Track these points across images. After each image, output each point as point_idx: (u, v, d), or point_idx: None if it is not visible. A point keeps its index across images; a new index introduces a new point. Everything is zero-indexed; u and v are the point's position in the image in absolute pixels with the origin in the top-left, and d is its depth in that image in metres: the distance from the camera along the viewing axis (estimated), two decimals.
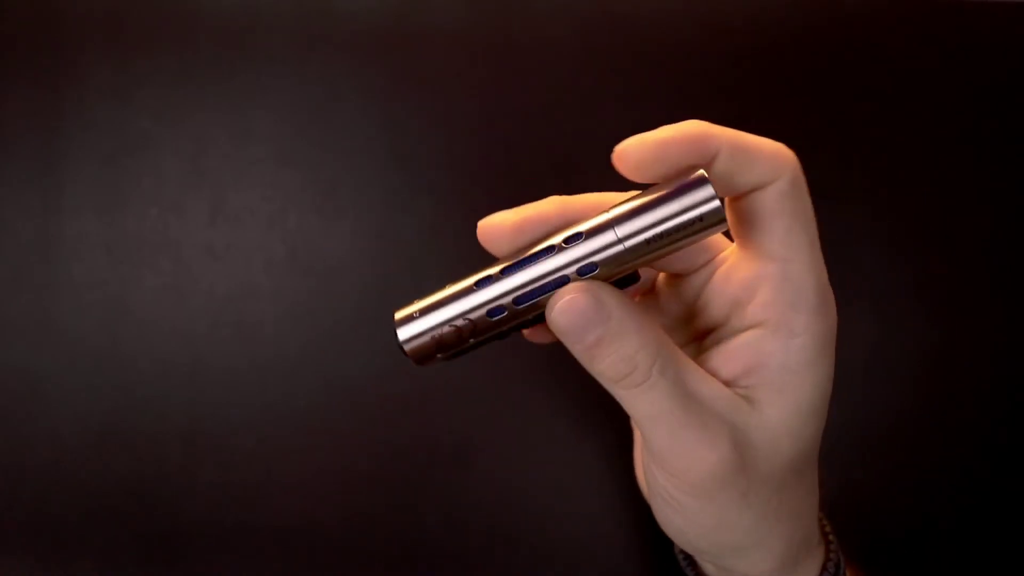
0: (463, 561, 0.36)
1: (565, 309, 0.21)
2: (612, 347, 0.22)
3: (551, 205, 0.23)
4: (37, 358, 0.36)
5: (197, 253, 0.37)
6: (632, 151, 0.21)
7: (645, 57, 0.38)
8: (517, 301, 0.22)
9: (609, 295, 0.22)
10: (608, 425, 0.35)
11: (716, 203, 0.20)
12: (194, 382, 0.36)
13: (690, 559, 0.30)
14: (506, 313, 0.22)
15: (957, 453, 0.37)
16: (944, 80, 0.39)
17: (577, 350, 0.22)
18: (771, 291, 0.23)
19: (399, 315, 0.24)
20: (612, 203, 0.22)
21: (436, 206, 0.37)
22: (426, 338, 0.23)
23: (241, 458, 0.36)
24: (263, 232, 0.37)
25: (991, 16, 0.39)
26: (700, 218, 0.20)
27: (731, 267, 0.24)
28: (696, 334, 0.26)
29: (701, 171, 0.21)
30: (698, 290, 0.25)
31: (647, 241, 0.21)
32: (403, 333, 0.23)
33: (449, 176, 0.37)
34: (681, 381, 0.22)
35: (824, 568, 0.26)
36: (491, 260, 0.23)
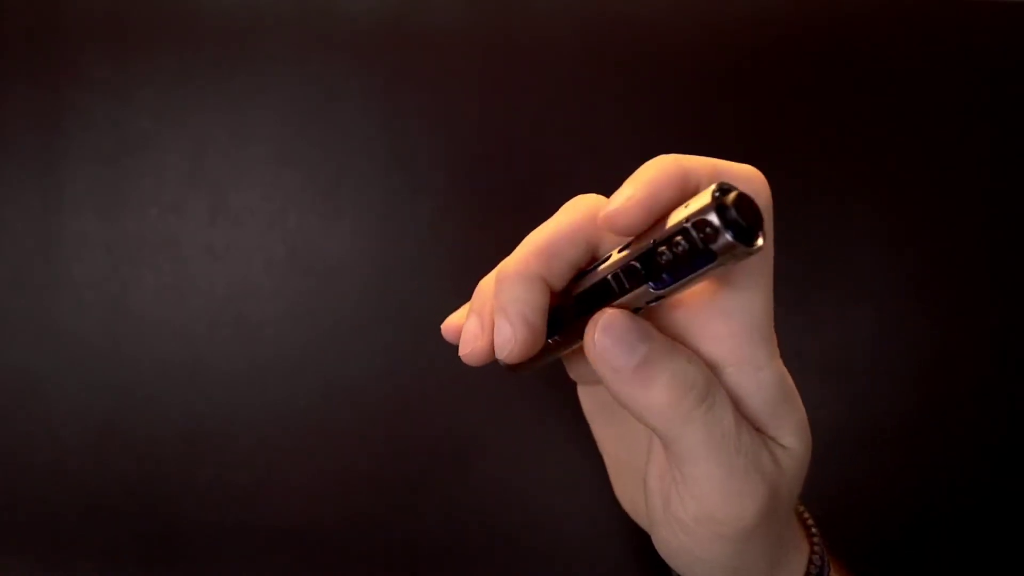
0: (463, 561, 0.36)
1: (607, 327, 0.20)
2: (663, 363, 0.20)
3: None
4: (37, 358, 0.36)
5: (197, 253, 0.37)
6: (623, 217, 0.19)
7: (645, 57, 0.38)
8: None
9: (644, 321, 0.20)
10: None
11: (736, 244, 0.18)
12: (194, 382, 0.36)
13: None
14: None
15: (957, 453, 0.37)
16: (944, 80, 0.39)
17: (625, 376, 0.20)
18: (728, 324, 0.21)
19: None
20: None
21: (436, 206, 0.37)
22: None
23: (241, 458, 0.36)
24: (263, 232, 0.37)
25: (991, 16, 0.39)
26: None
27: (672, 304, 0.22)
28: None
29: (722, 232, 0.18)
30: (703, 322, 0.24)
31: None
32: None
33: (449, 176, 0.37)
34: (734, 410, 0.21)
35: (810, 562, 0.26)
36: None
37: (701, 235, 0.18)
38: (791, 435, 0.23)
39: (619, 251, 0.21)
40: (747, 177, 0.21)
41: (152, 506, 0.35)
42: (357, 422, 0.36)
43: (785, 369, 0.22)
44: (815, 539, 0.27)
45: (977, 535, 0.37)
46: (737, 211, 0.18)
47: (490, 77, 0.38)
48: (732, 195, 0.18)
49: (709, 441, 0.20)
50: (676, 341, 0.21)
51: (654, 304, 0.21)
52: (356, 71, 0.37)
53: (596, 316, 0.20)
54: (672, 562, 0.25)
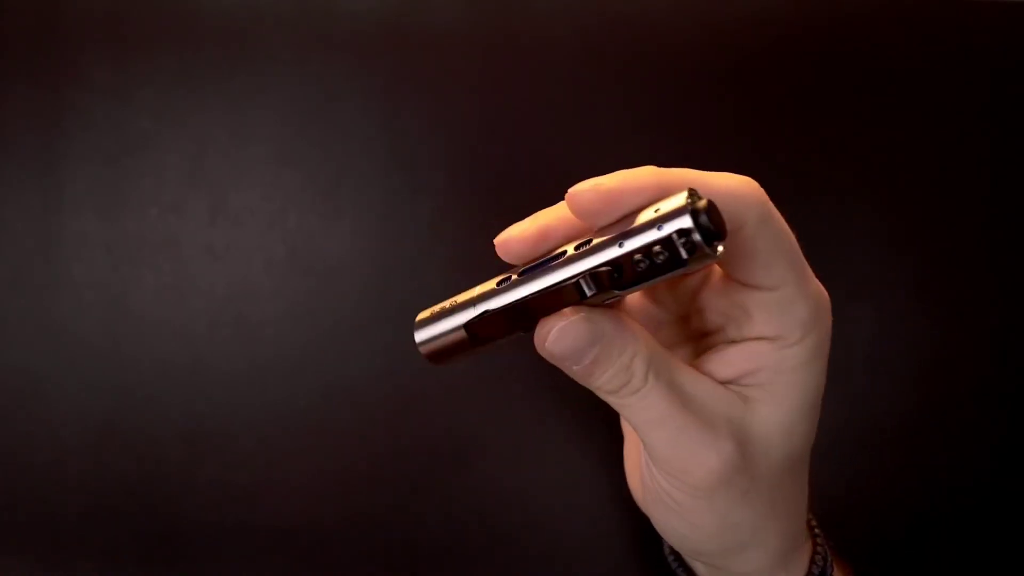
0: (463, 561, 0.36)
1: (558, 339, 0.21)
2: (607, 363, 0.22)
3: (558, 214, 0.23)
4: (37, 358, 0.36)
5: (197, 253, 0.37)
6: (584, 197, 0.20)
7: (645, 57, 0.38)
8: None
9: (594, 310, 0.21)
10: (607, 425, 0.35)
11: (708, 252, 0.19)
12: (194, 382, 0.36)
13: (680, 560, 0.30)
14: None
15: (957, 453, 0.37)
16: (944, 80, 0.39)
17: (573, 371, 0.22)
18: (764, 315, 0.23)
19: (419, 317, 0.24)
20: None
21: (436, 206, 0.37)
22: (439, 342, 0.24)
23: (241, 458, 0.36)
24: (263, 232, 0.37)
25: (991, 16, 0.39)
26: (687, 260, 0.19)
27: (726, 281, 0.24)
28: (692, 334, 0.26)
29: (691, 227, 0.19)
30: (693, 293, 0.25)
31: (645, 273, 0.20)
32: (419, 336, 0.24)
33: (449, 176, 0.37)
34: (677, 383, 0.23)
35: (812, 562, 0.27)
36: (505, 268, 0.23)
37: (683, 243, 0.18)
38: (785, 410, 0.23)
39: (576, 247, 0.21)
40: (735, 193, 0.21)
41: (152, 506, 0.35)
42: (357, 422, 0.36)
43: (825, 348, 0.24)
44: (818, 540, 0.27)
45: (977, 535, 0.37)
46: (708, 217, 0.18)
47: (490, 77, 0.38)
48: (703, 201, 0.19)
49: (643, 419, 0.23)
50: (626, 327, 0.22)
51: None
52: (356, 71, 0.37)
53: (551, 321, 0.21)
54: (668, 539, 0.26)
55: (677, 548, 0.27)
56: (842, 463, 0.36)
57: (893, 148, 0.38)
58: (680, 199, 0.19)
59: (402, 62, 0.37)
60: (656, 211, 0.19)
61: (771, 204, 0.22)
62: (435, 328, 0.24)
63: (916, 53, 0.39)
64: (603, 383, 0.22)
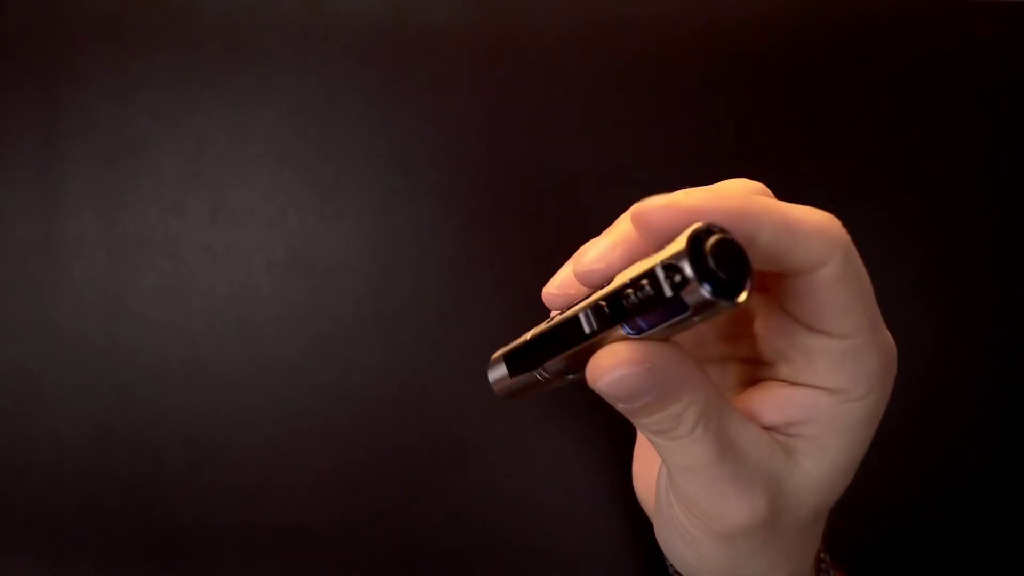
0: (463, 561, 0.36)
1: (613, 383, 0.19)
2: (659, 409, 0.20)
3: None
4: (37, 358, 0.36)
5: (197, 253, 0.37)
6: (656, 216, 0.18)
7: (645, 57, 0.38)
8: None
9: (659, 355, 0.19)
10: (608, 425, 0.35)
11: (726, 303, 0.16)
12: (194, 382, 0.36)
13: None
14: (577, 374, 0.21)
15: (957, 453, 0.37)
16: (944, 80, 0.39)
17: (621, 408, 0.20)
18: (828, 364, 0.21)
19: (494, 356, 0.24)
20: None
21: (436, 206, 0.37)
22: (512, 383, 0.24)
23: (241, 458, 0.36)
24: (263, 232, 0.37)
25: (991, 16, 0.39)
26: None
27: (787, 320, 0.21)
28: (741, 356, 0.25)
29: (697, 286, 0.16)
30: (751, 313, 0.23)
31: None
32: (492, 375, 0.24)
33: (449, 176, 0.37)
34: (724, 434, 0.20)
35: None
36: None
37: (670, 282, 0.16)
38: (826, 465, 0.22)
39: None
40: (819, 232, 0.19)
41: (152, 506, 0.35)
42: (357, 422, 0.36)
43: (882, 408, 0.22)
44: (821, 555, 0.27)
45: (977, 535, 0.37)
46: (716, 260, 0.16)
47: (490, 77, 0.38)
48: (713, 240, 0.16)
49: (679, 464, 0.21)
50: (687, 372, 0.19)
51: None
52: (356, 71, 0.37)
53: (606, 358, 0.19)
54: (670, 559, 0.25)
55: (679, 569, 0.26)
56: None
57: (893, 148, 0.38)
58: (683, 238, 0.17)
59: (402, 62, 0.37)
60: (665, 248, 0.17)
61: (853, 246, 0.20)
62: (496, 370, 0.24)
63: (916, 53, 0.39)
64: (647, 424, 0.20)
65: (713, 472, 0.20)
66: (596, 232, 0.22)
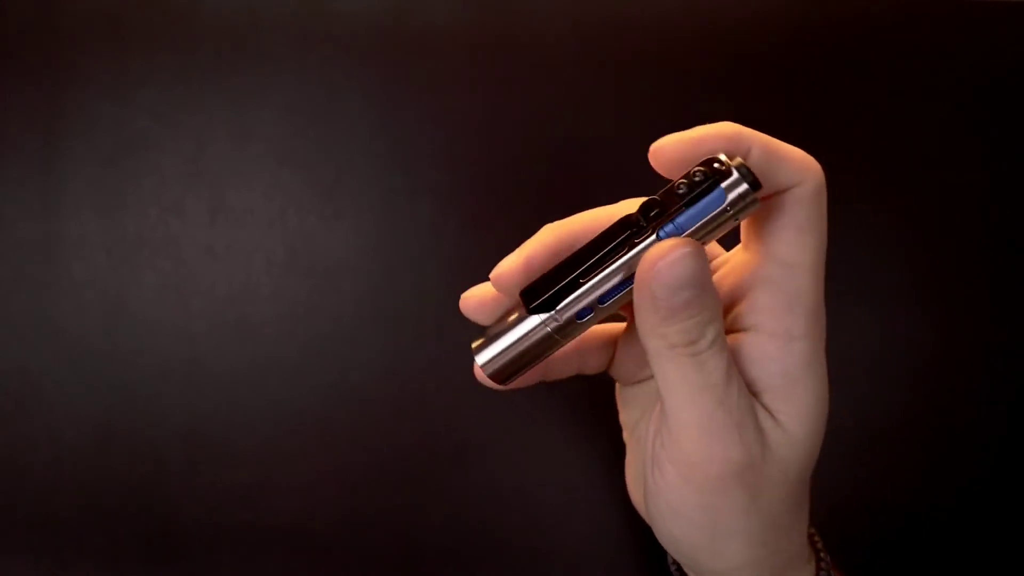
0: (463, 561, 0.36)
1: (674, 264, 0.21)
2: (693, 311, 0.21)
3: (550, 235, 0.24)
4: (37, 358, 0.36)
5: (197, 253, 0.37)
6: (669, 148, 0.22)
7: (645, 57, 0.38)
8: (602, 299, 0.22)
9: (706, 259, 0.21)
10: (608, 425, 0.35)
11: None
12: (194, 382, 0.36)
13: (682, 572, 0.29)
14: (592, 314, 0.22)
15: (957, 453, 0.37)
16: (944, 80, 0.39)
17: (657, 306, 0.21)
18: (770, 294, 0.23)
19: (475, 344, 0.24)
20: (605, 220, 0.23)
21: (436, 206, 0.37)
22: (512, 350, 0.24)
23: (241, 458, 0.36)
24: (263, 232, 0.37)
25: (991, 16, 0.39)
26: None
27: (724, 273, 0.24)
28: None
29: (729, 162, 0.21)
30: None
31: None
32: (481, 358, 0.24)
33: (449, 176, 0.37)
34: (731, 363, 0.22)
35: None
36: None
37: (717, 168, 0.21)
38: (795, 419, 0.23)
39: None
40: (800, 158, 0.22)
41: (152, 506, 0.35)
42: (357, 422, 0.36)
43: (823, 355, 0.23)
44: (822, 562, 0.27)
45: (977, 535, 0.37)
46: (746, 167, 0.21)
47: (490, 77, 0.38)
48: (738, 159, 0.21)
49: (691, 383, 0.22)
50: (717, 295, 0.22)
51: None
52: (356, 71, 0.37)
53: (666, 246, 0.21)
54: (662, 542, 0.26)
55: (673, 554, 0.27)
56: (842, 463, 0.36)
57: (894, 148, 0.38)
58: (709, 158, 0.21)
59: (402, 62, 0.37)
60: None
61: (825, 188, 0.23)
62: (486, 351, 0.24)
63: (916, 53, 0.39)
64: (676, 330, 0.21)
65: (718, 395, 0.22)
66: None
